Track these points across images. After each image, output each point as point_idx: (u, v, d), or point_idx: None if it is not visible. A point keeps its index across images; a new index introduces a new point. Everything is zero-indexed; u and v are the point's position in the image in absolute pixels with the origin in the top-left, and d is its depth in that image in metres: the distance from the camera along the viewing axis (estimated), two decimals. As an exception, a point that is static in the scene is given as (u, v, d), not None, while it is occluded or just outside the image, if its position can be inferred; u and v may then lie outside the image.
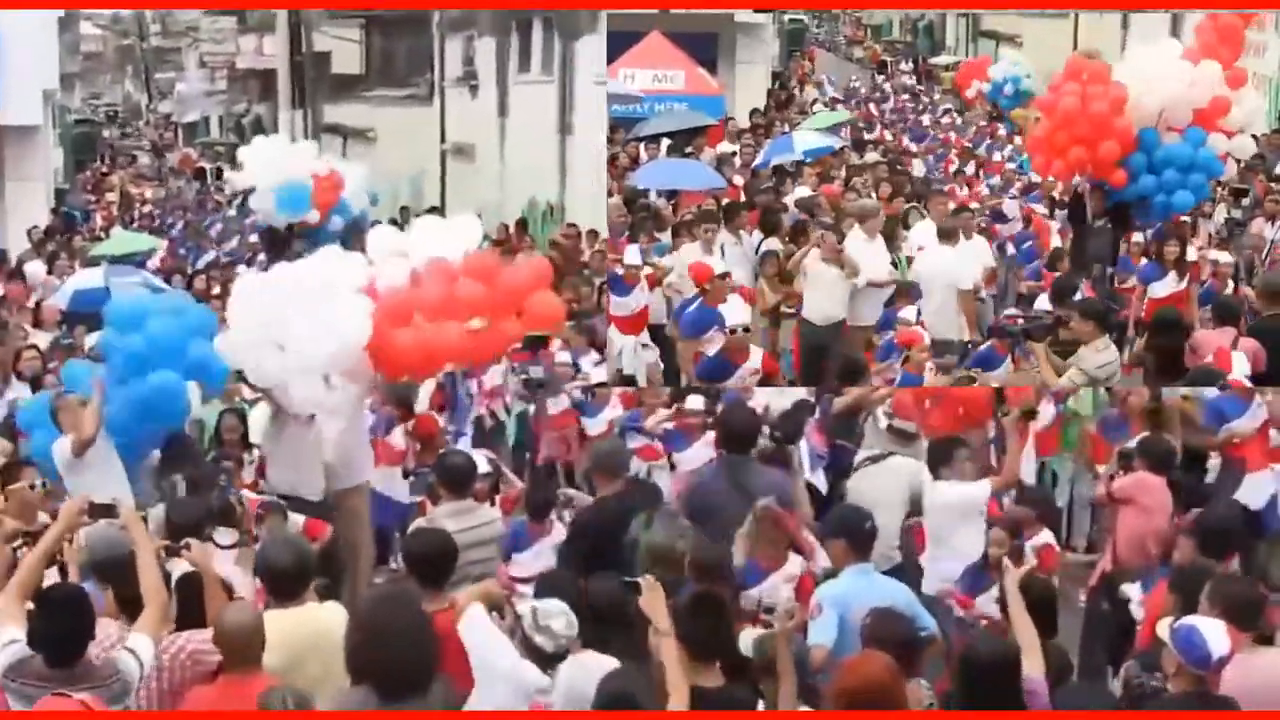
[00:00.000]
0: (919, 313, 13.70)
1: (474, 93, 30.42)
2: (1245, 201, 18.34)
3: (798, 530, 8.55)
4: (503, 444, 14.51)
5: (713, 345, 12.39)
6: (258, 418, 10.96)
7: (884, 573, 8.41)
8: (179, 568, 7.41)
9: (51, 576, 7.17)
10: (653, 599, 6.50)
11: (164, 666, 6.74)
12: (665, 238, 16.15)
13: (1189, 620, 6.62)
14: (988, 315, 15.99)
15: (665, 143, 22.75)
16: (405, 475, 12.09)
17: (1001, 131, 29.94)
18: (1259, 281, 13.79)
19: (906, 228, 16.69)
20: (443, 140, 30.41)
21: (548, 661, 6.55)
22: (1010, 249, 19.43)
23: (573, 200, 26.76)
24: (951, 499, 9.64)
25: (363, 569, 10.21)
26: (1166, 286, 14.59)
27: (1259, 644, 6.96)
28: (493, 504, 10.20)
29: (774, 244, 15.80)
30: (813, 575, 8.37)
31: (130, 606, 6.86)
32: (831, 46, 56.45)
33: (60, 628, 6.34)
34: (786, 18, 40.67)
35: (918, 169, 25.52)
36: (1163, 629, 6.67)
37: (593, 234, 20.98)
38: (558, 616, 6.66)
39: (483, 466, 10.16)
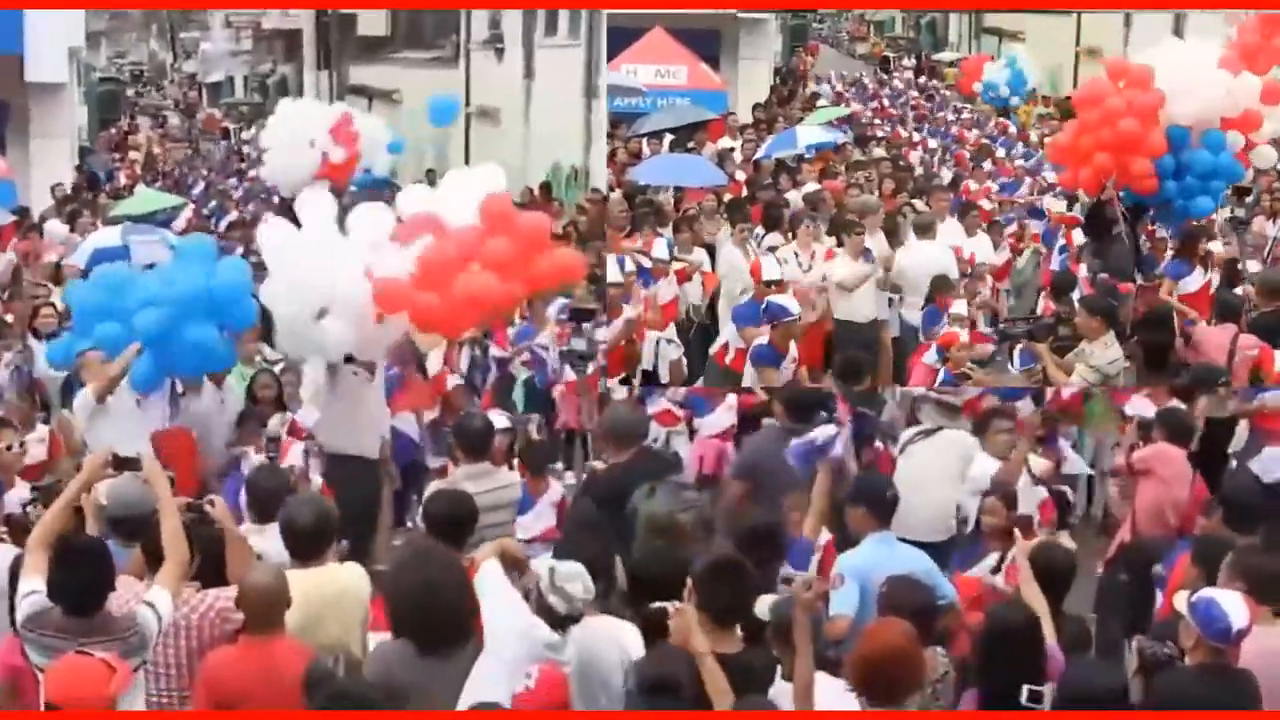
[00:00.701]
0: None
1: (500, 56, 30.35)
2: (1249, 199, 18.32)
3: None
4: (512, 407, 14.49)
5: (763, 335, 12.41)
6: (310, 378, 10.78)
7: (937, 545, 8.44)
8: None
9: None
10: (682, 623, 6.47)
11: (192, 625, 6.78)
12: (667, 233, 16.12)
13: (1207, 593, 6.58)
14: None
15: (667, 138, 22.65)
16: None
17: (1011, 129, 30.01)
18: (1258, 278, 13.80)
19: (904, 218, 16.71)
20: (467, 103, 30.34)
21: (560, 624, 6.46)
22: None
23: (597, 164, 26.70)
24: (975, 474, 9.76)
25: (382, 529, 10.22)
26: (1195, 282, 14.57)
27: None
28: (511, 467, 10.18)
29: (776, 239, 15.85)
30: (835, 546, 8.40)
31: (158, 562, 6.85)
32: (834, 42, 56.44)
33: (80, 579, 6.36)
34: (789, 13, 40.47)
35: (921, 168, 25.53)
36: (1180, 601, 6.64)
37: (618, 198, 20.94)
38: (574, 580, 6.55)
39: (501, 423, 10.20)
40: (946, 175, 24.37)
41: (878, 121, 32.29)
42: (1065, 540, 8.86)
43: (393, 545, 9.13)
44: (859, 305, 14.57)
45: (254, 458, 9.85)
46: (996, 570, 8.39)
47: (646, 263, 14.80)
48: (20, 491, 9.03)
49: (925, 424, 10.71)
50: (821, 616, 7.28)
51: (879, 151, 25.52)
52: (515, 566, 6.74)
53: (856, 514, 8.16)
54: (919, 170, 24.72)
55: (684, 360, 13.93)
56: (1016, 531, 7.86)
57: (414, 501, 10.68)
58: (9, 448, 9.30)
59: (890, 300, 15.07)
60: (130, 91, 49.82)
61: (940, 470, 10.08)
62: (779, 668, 6.52)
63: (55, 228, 19.68)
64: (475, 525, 7.72)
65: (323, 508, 7.60)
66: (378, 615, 6.98)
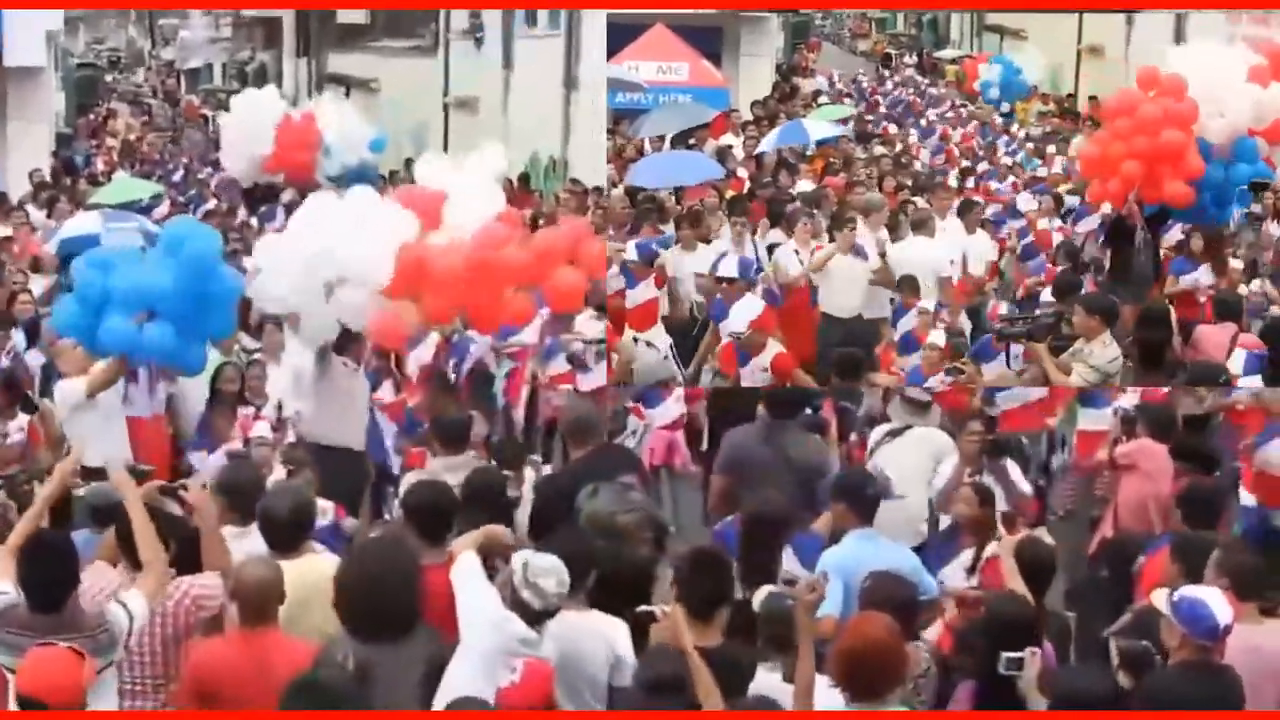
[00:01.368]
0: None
1: (479, 45, 30.24)
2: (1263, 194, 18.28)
3: None
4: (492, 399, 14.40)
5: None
6: (284, 372, 10.74)
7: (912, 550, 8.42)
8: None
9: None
10: (672, 623, 6.42)
11: (167, 612, 6.73)
12: (668, 229, 16.07)
13: (1189, 592, 6.55)
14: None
15: (669, 136, 22.64)
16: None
17: (1013, 128, 30.03)
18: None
19: (905, 216, 16.69)
20: (446, 93, 30.24)
21: (534, 619, 6.27)
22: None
23: (576, 156, 26.66)
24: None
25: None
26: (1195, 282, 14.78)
27: (1264, 616, 6.94)
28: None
29: (778, 236, 15.80)
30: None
31: (128, 544, 6.81)
32: (836, 39, 56.36)
33: (43, 574, 6.31)
34: (791, 10, 40.44)
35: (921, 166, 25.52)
36: (1160, 600, 6.59)
37: (597, 190, 20.85)
38: (548, 575, 6.32)
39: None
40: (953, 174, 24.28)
41: (870, 118, 32.19)
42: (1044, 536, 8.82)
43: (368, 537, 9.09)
44: (843, 299, 14.50)
45: (220, 455, 9.83)
46: (972, 570, 8.33)
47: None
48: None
49: (894, 422, 10.52)
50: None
51: (880, 149, 25.53)
52: (500, 553, 6.68)
53: (838, 509, 8.14)
54: (918, 168, 24.66)
55: (669, 359, 13.89)
56: (1001, 528, 7.80)
57: (390, 494, 10.66)
58: None
59: (891, 299, 14.88)
60: (108, 77, 49.48)
61: (910, 471, 9.74)
62: (761, 664, 6.49)
63: (32, 215, 19.53)
64: (455, 517, 7.63)
65: (300, 498, 7.60)
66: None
